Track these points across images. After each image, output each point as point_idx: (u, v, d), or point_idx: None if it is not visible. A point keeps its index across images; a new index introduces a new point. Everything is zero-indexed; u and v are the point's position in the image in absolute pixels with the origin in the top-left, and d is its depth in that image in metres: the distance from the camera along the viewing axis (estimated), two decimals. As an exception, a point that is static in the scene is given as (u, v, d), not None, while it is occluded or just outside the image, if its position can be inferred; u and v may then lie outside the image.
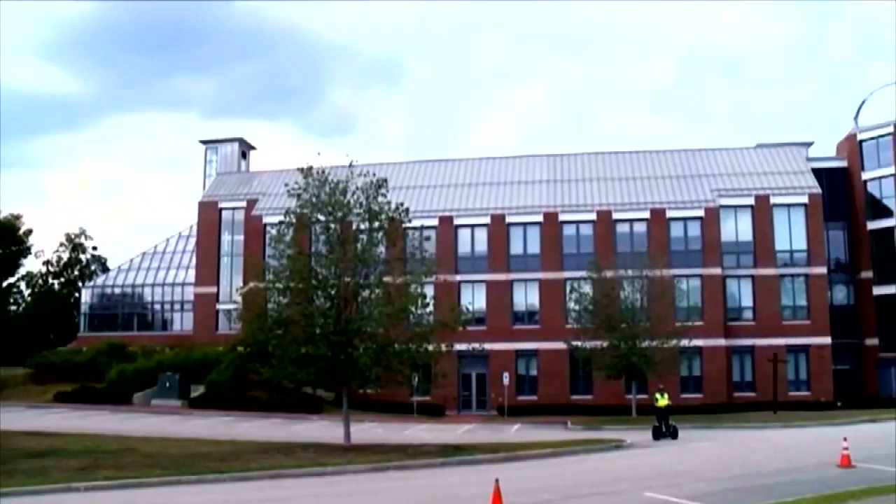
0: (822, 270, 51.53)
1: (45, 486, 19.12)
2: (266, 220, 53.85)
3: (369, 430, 37.20)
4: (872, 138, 54.41)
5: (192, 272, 61.56)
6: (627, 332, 42.80)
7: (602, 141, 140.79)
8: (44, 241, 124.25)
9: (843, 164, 56.14)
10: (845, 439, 21.58)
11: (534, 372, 51.57)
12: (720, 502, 16.23)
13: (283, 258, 29.63)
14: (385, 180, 30.06)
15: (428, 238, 37.64)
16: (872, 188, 54.40)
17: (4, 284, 73.69)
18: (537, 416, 45.50)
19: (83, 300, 66.57)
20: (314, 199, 29.50)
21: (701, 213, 51.88)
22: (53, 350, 59.94)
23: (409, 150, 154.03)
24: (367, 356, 28.25)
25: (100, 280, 68.83)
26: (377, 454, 25.54)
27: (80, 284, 73.32)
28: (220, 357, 49.35)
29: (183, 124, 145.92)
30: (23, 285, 77.96)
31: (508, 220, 53.25)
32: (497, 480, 14.66)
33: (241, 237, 58.07)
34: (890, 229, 52.86)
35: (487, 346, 47.73)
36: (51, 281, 78.70)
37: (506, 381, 47.89)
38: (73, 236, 79.50)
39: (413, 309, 29.21)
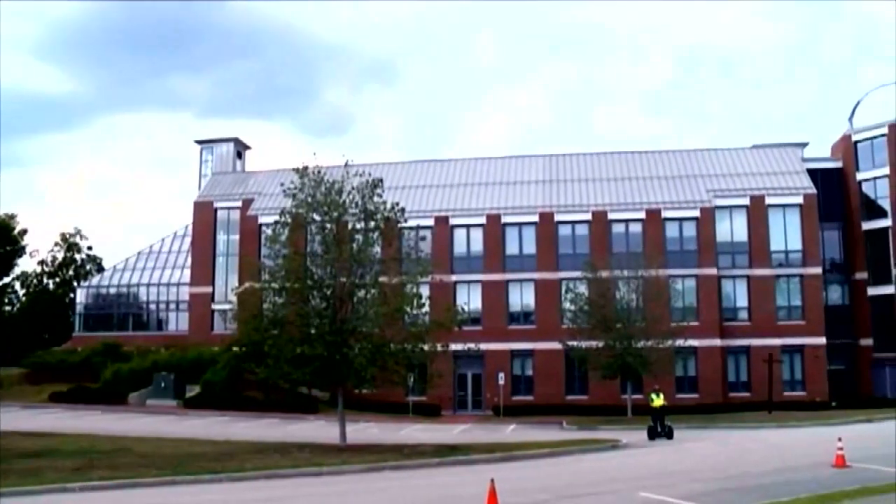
0: (818, 271, 51.65)
1: (40, 486, 19.06)
2: (262, 219, 53.75)
3: (365, 430, 37.18)
4: (867, 139, 54.53)
5: (187, 272, 61.55)
6: (623, 332, 42.81)
7: (598, 141, 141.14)
8: (39, 240, 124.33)
9: (838, 164, 56.26)
10: (840, 439, 21.60)
11: (529, 372, 51.61)
12: (715, 502, 16.24)
13: (278, 258, 29.62)
14: (381, 180, 30.05)
15: (423, 238, 37.75)
16: (867, 189, 54.53)
17: (-1, 284, 73.64)
18: (533, 416, 45.53)
19: (78, 300, 66.53)
20: (310, 199, 29.50)
21: (696, 213, 51.96)
22: (48, 350, 59.91)
23: (405, 150, 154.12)
24: (362, 356, 28.25)
25: (95, 280, 68.76)
26: (373, 454, 25.52)
27: (75, 284, 73.23)
28: (216, 357, 49.29)
29: (178, 124, 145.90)
30: (17, 285, 77.82)
31: (504, 220, 53.27)
32: (492, 480, 14.66)
33: (237, 237, 58.08)
34: (885, 230, 52.99)
35: (483, 346, 47.91)
36: (46, 281, 78.56)
37: (501, 381, 47.90)
38: (68, 236, 79.40)
39: (409, 309, 29.20)
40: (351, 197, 29.40)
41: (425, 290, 32.34)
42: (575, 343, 45.02)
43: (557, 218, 52.79)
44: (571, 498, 17.24)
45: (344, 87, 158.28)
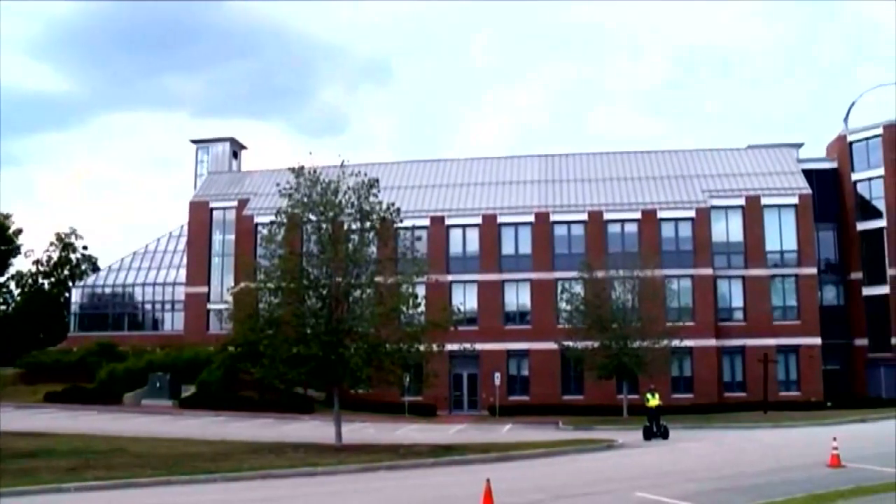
0: (813, 271, 51.72)
1: (35, 486, 19.00)
2: (257, 219, 53.72)
3: (360, 430, 37.17)
4: (862, 139, 54.63)
5: (182, 272, 61.45)
6: (618, 332, 42.85)
7: (593, 141, 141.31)
8: (34, 240, 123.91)
9: (833, 165, 56.35)
10: (835, 439, 21.67)
11: (525, 372, 51.62)
12: (710, 502, 16.26)
13: (274, 258, 29.61)
14: (376, 180, 30.03)
15: (419, 238, 37.68)
16: (862, 189, 54.63)
17: (-6, 284, 73.55)
18: (528, 416, 45.55)
19: (73, 300, 66.42)
20: (305, 199, 29.47)
21: (692, 213, 52.01)
22: (43, 350, 59.76)
23: (401, 150, 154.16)
24: (358, 356, 28.22)
25: (90, 280, 68.65)
26: (368, 454, 25.52)
27: (70, 284, 73.12)
28: (211, 357, 49.26)
29: (174, 124, 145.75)
30: (12, 285, 77.72)
31: (500, 220, 53.28)
32: (488, 480, 14.67)
33: (233, 237, 58.03)
34: (880, 230, 53.08)
35: (479, 346, 47.95)
36: (41, 281, 78.41)
37: (497, 381, 47.90)
38: (63, 236, 79.25)
39: (404, 309, 29.21)
40: (347, 197, 29.39)
41: (421, 290, 32.24)
42: (571, 343, 45.05)
43: (553, 218, 52.81)
44: (567, 498, 17.25)
45: (340, 87, 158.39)
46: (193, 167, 65.33)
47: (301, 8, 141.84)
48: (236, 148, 65.98)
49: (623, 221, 52.59)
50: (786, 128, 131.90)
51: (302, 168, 29.65)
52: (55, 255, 78.88)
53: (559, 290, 48.67)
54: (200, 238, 59.42)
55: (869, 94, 57.26)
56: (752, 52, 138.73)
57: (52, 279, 78.35)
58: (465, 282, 52.31)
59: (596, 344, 43.47)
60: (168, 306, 63.17)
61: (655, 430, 32.55)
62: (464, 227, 53.70)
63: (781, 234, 52.04)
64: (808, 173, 54.11)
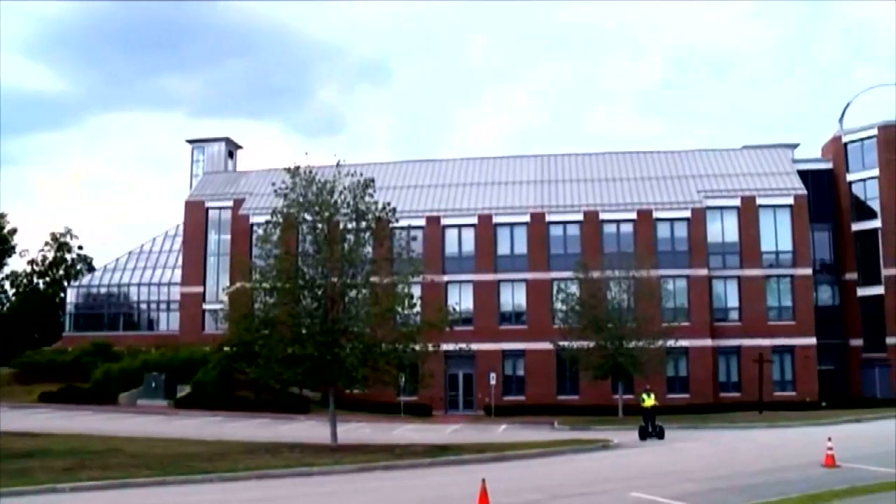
0: (808, 271, 51.83)
1: (30, 487, 18.97)
2: (253, 219, 53.64)
3: (356, 431, 37.15)
4: (857, 140, 54.77)
5: (178, 272, 61.40)
6: (614, 332, 42.85)
7: (589, 142, 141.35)
8: (29, 240, 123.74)
9: (828, 165, 56.48)
10: (830, 439, 21.72)
11: (521, 372, 51.65)
12: (706, 502, 16.29)
13: (269, 258, 29.55)
14: (372, 180, 30.02)
15: (415, 238, 37.62)
16: (857, 190, 54.77)
17: (-11, 284, 73.40)
18: (524, 416, 45.55)
19: (68, 300, 66.33)
20: (301, 199, 29.45)
21: (687, 213, 52.08)
22: (38, 350, 59.62)
23: (397, 150, 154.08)
24: (353, 356, 28.21)
25: (85, 279, 68.53)
26: (364, 454, 25.51)
27: (65, 284, 73.01)
28: (207, 357, 49.16)
29: (170, 123, 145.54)
30: (7, 285, 77.63)
31: (496, 220, 53.30)
32: (483, 480, 14.67)
33: (228, 237, 57.98)
34: (874, 231, 53.23)
35: (474, 346, 47.77)
36: (36, 280, 78.28)
37: (493, 381, 47.89)
38: (58, 235, 79.13)
39: (400, 309, 29.20)
40: (342, 197, 29.36)
41: (417, 290, 32.28)
42: (566, 343, 45.03)
43: (549, 218, 52.84)
44: (563, 498, 17.27)
45: (337, 87, 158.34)
46: (189, 167, 65.36)
47: (298, 8, 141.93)
48: (232, 148, 65.94)
49: (619, 222, 52.63)
50: (781, 128, 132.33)
51: (298, 168, 29.63)
52: (50, 255, 78.78)
53: (555, 291, 48.64)
54: (196, 238, 59.35)
55: (864, 95, 57.50)
56: (748, 52, 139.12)
57: (48, 279, 78.20)
58: (460, 282, 52.32)
59: (591, 344, 43.47)
60: (163, 306, 63.09)
61: (651, 431, 32.57)
62: (459, 227, 53.70)
63: (777, 235, 52.14)
64: (803, 174, 54.22)
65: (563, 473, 21.93)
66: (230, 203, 58.40)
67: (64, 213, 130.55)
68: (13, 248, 72.34)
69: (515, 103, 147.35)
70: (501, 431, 38.56)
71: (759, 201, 52.46)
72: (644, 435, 32.43)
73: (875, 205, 53.51)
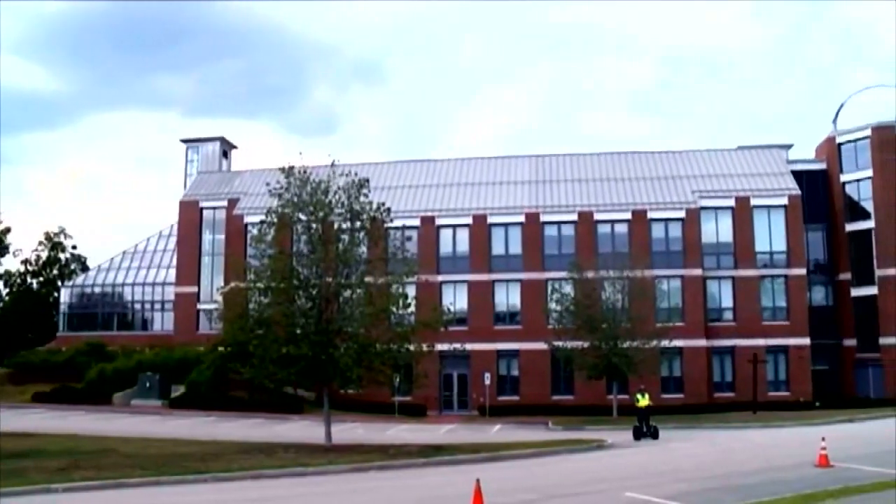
0: (802, 272, 51.94)
1: (24, 487, 18.93)
2: (247, 219, 53.58)
3: (351, 431, 37.13)
4: (851, 141, 54.87)
5: (172, 272, 61.32)
6: (608, 332, 42.90)
7: (584, 142, 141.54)
8: (23, 239, 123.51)
9: (822, 166, 56.59)
10: (823, 439, 21.78)
11: (515, 372, 51.67)
12: (700, 502, 16.32)
13: (264, 258, 29.53)
14: (367, 180, 29.98)
15: (410, 238, 37.69)
16: (851, 190, 54.89)
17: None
18: (519, 416, 45.58)
19: (62, 300, 66.18)
20: (296, 199, 29.41)
21: (682, 214, 52.17)
22: (32, 350, 59.45)
23: (392, 150, 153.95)
24: (348, 356, 28.18)
25: (79, 279, 68.38)
26: (358, 454, 25.50)
27: (59, 284, 72.73)
28: (201, 357, 49.09)
29: (164, 123, 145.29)
30: (1, 284, 77.24)
31: (490, 220, 53.32)
32: (478, 480, 14.68)
33: (223, 237, 57.93)
34: (868, 231, 53.33)
35: (469, 346, 47.99)
36: (29, 280, 77.91)
37: (487, 381, 47.90)
38: (52, 235, 78.73)
39: (394, 309, 29.14)
40: (337, 197, 29.34)
41: (411, 291, 32.32)
42: (561, 343, 45.03)
43: (543, 218, 52.88)
44: (557, 498, 17.29)
45: (330, 87, 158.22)
46: (183, 166, 65.20)
47: (293, 7, 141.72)
48: (226, 147, 65.86)
49: (613, 222, 52.71)
50: (775, 129, 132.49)
51: (292, 168, 29.59)
52: (44, 255, 78.38)
53: (549, 291, 48.63)
54: (190, 238, 59.29)
55: (858, 95, 57.69)
56: (742, 53, 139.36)
57: (41, 279, 77.87)
58: (455, 282, 52.35)
59: (586, 344, 43.51)
60: (158, 306, 62.99)
61: (645, 431, 32.61)
62: (454, 227, 53.73)
63: (771, 235, 52.25)
64: (797, 174, 54.34)
65: (557, 473, 21.95)
66: (224, 203, 58.33)
67: (58, 212, 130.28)
68: (7, 247, 72.13)
69: (510, 103, 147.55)
70: (496, 431, 38.58)
71: (753, 202, 52.57)
72: (638, 435, 32.47)
73: (869, 205, 53.63)
